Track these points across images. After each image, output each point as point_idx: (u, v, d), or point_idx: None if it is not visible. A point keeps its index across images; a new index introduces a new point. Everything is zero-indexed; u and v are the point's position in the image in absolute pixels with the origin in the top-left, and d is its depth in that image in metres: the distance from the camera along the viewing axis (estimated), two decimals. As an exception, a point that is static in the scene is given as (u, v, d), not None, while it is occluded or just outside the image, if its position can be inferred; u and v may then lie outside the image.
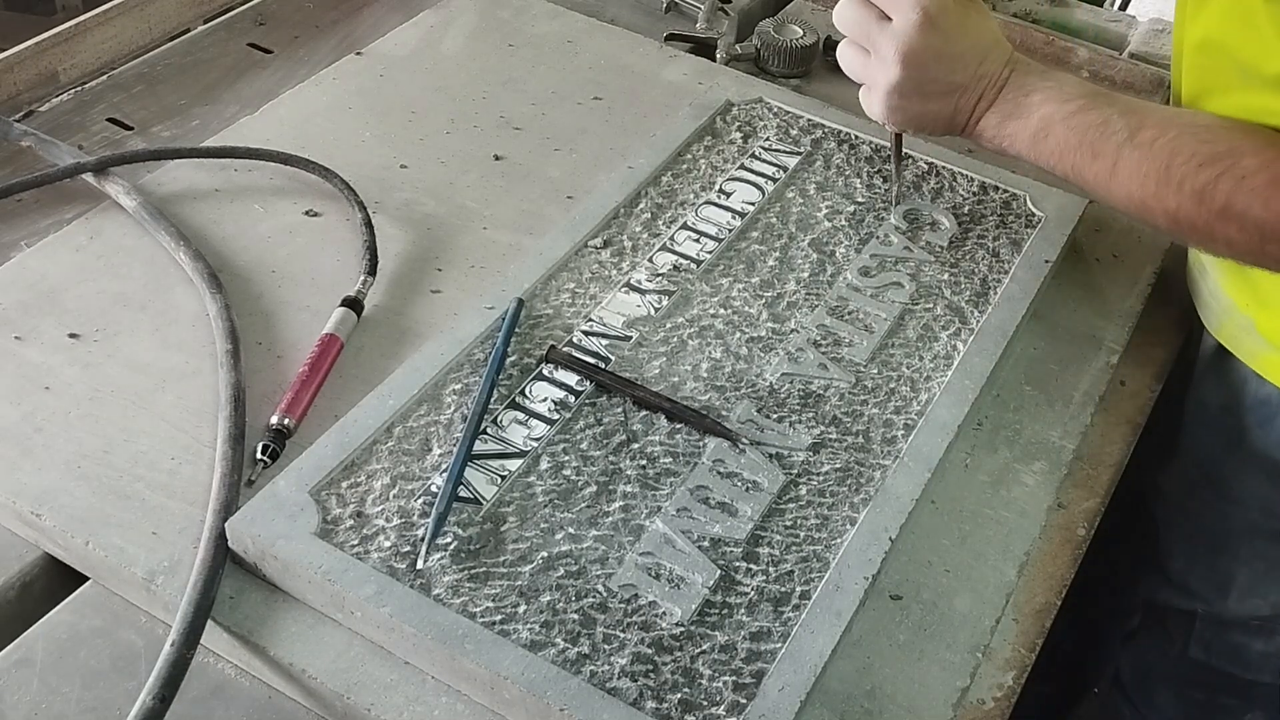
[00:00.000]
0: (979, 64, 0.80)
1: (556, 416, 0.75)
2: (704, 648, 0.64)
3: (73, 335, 0.79)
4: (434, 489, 0.70)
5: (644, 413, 0.76)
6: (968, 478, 0.77)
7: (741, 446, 0.74)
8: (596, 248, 0.87)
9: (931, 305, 0.85)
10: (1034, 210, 0.93)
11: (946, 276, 0.88)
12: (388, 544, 0.66)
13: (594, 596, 0.65)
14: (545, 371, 0.77)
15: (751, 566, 0.68)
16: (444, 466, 0.71)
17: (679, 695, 0.62)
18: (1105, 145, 0.76)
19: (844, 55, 0.85)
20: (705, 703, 0.62)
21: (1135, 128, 0.76)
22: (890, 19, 0.80)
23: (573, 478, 0.71)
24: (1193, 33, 0.81)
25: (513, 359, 0.78)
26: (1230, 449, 0.91)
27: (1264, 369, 0.86)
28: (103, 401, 0.75)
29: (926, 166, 0.96)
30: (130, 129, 0.99)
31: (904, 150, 0.92)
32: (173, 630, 0.63)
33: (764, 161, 0.96)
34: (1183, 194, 0.74)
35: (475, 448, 0.72)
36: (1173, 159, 0.74)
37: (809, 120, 1.00)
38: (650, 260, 0.86)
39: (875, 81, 0.82)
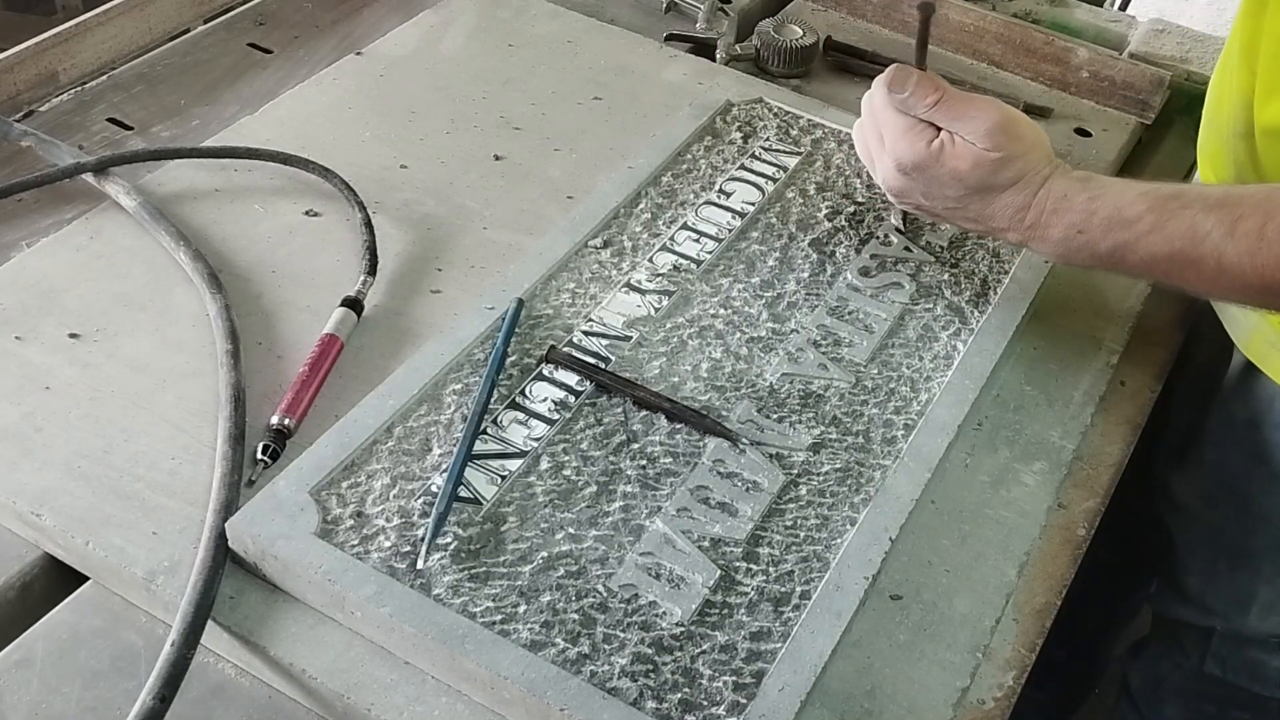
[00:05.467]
0: (985, 205, 0.77)
1: (556, 416, 0.75)
2: (704, 648, 0.64)
3: (73, 335, 0.79)
4: (434, 489, 0.70)
5: (644, 413, 0.76)
6: (968, 478, 0.77)
7: (741, 446, 0.74)
8: (596, 248, 0.87)
9: (931, 305, 0.85)
10: (1034, 210, 0.93)
11: (946, 276, 0.88)
12: (388, 544, 0.66)
13: (594, 596, 0.65)
14: (545, 371, 0.77)
15: (751, 566, 0.68)
16: (444, 466, 0.71)
17: (679, 695, 0.62)
18: (1200, 249, 0.71)
19: (859, 149, 0.85)
20: (705, 703, 0.62)
21: (1230, 221, 0.71)
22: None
23: (573, 478, 0.71)
24: (1266, 117, 0.80)
25: (513, 359, 0.78)
26: (1256, 465, 0.91)
27: None
28: (103, 401, 0.75)
29: (926, 166, 0.96)
30: (130, 129, 0.99)
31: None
32: (173, 630, 0.63)
33: (764, 161, 0.96)
34: None
35: (475, 448, 0.72)
36: None
37: (809, 120, 1.00)
38: (650, 260, 0.86)
39: (883, 187, 0.83)
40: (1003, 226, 0.78)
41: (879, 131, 0.80)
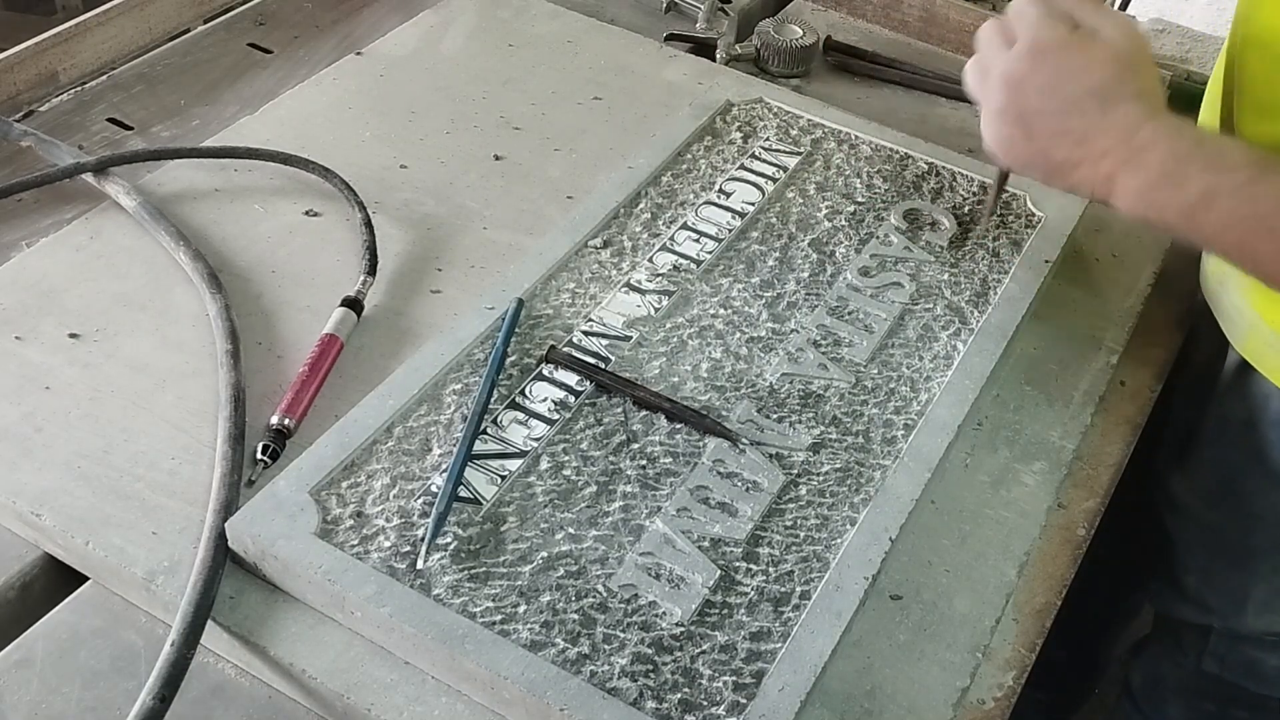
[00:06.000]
0: (1101, 114, 0.71)
1: (556, 416, 0.75)
2: (704, 648, 0.64)
3: (73, 335, 0.79)
4: (434, 489, 0.70)
5: (644, 413, 0.76)
6: (968, 478, 0.77)
7: (741, 446, 0.74)
8: (596, 248, 0.87)
9: (931, 305, 0.85)
10: (1034, 210, 0.93)
11: (946, 276, 0.88)
12: (388, 544, 0.66)
13: (594, 596, 0.65)
14: (545, 371, 0.77)
15: (751, 566, 0.68)
16: (444, 466, 0.71)
17: (679, 695, 0.62)
18: None
19: (968, 72, 0.77)
20: (705, 703, 0.62)
21: None
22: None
23: (573, 478, 0.71)
24: (1259, 134, 0.79)
25: (513, 359, 0.78)
26: (1253, 464, 0.90)
27: None
28: (103, 401, 0.75)
29: (926, 166, 0.96)
30: (130, 129, 0.99)
31: (1004, 185, 0.89)
32: (173, 630, 0.63)
33: (764, 161, 0.96)
34: None
35: (475, 448, 0.72)
36: None
37: (809, 120, 1.00)
38: (650, 260, 0.86)
39: (986, 102, 0.75)
40: (1106, 146, 0.71)
41: (1012, 31, 0.73)
